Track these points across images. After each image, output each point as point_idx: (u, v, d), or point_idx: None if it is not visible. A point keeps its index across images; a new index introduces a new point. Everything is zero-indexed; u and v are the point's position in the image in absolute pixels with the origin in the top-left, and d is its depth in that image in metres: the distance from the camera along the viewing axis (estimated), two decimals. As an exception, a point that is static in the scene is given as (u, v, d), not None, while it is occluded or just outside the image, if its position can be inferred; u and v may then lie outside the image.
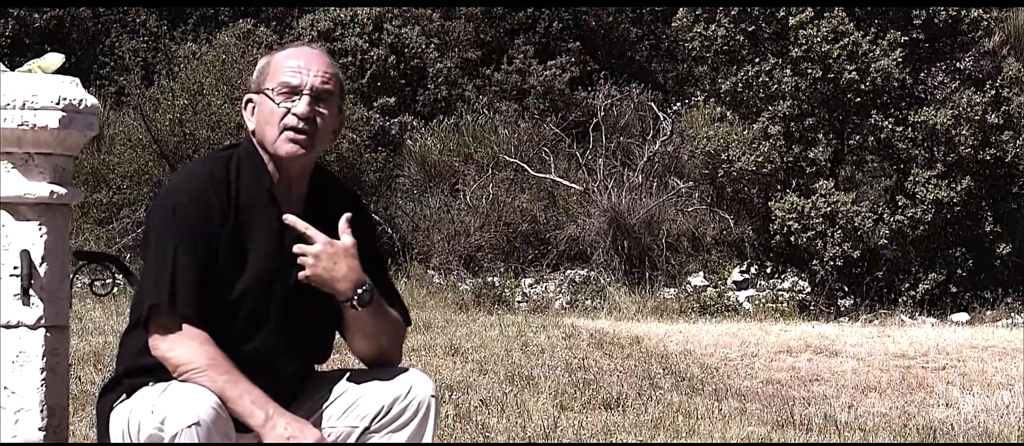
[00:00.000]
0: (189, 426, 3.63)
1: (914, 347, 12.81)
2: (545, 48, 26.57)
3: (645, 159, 21.28)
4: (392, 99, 22.62)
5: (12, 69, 4.26)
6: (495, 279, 19.03)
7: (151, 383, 3.84)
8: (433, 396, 4.03)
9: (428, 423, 4.02)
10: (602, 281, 19.31)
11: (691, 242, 20.46)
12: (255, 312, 3.93)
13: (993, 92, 19.48)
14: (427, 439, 4.03)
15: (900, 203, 19.25)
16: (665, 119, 21.94)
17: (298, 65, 3.96)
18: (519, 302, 18.57)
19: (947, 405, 9.80)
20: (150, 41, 24.82)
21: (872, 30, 19.26)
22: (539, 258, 20.31)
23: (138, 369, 3.92)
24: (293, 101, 3.93)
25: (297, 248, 3.95)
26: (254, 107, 4.02)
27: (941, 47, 20.24)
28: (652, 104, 22.65)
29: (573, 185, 20.97)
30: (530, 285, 19.43)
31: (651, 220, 20.24)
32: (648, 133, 21.89)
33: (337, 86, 4.03)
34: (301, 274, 3.94)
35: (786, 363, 11.84)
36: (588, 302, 18.59)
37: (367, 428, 4.01)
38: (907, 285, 19.28)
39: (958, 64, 20.71)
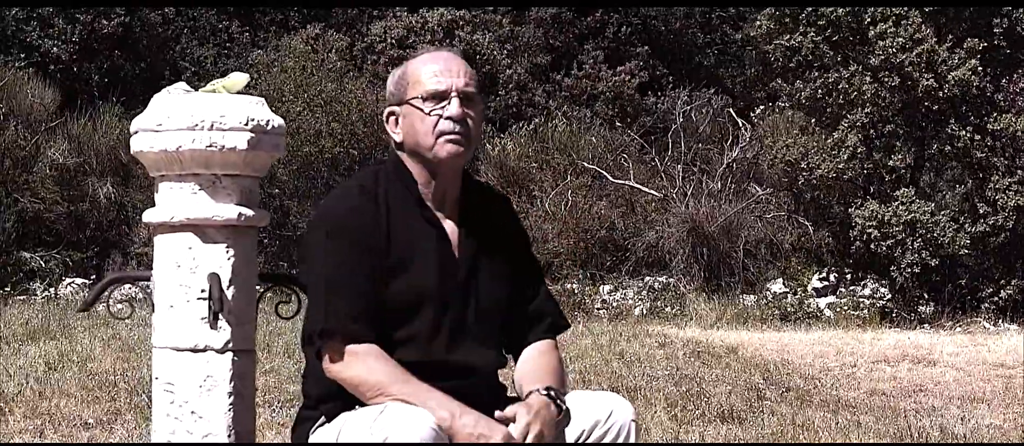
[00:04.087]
0: None
1: (1011, 356, 12.71)
2: (615, 53, 26.51)
3: (724, 166, 21.15)
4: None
5: (196, 89, 4.24)
6: (574, 286, 18.95)
7: (356, 406, 3.81)
8: (633, 420, 3.99)
9: (628, 446, 3.97)
10: (681, 288, 19.21)
11: (769, 249, 20.33)
12: (428, 318, 3.91)
13: (1077, 98, 19.31)
14: (627, 464, 3.97)
15: (981, 211, 19.08)
16: (744, 125, 21.81)
17: (439, 69, 3.98)
18: (598, 309, 18.48)
19: (1064, 417, 9.67)
20: (224, 47, 24.87)
21: (951, 38, 19.09)
22: (617, 265, 20.21)
23: (335, 393, 3.88)
24: (442, 106, 3.93)
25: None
26: (397, 119, 4.02)
27: (1022, 55, 20.04)
28: (731, 111, 22.52)
29: (652, 192, 20.86)
30: (609, 292, 19.33)
31: (730, 227, 20.12)
32: (727, 140, 21.76)
33: (477, 85, 4.06)
34: None
35: (886, 373, 11.75)
36: (668, 309, 18.48)
37: (568, 452, 3.96)
38: (989, 291, 19.11)
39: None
